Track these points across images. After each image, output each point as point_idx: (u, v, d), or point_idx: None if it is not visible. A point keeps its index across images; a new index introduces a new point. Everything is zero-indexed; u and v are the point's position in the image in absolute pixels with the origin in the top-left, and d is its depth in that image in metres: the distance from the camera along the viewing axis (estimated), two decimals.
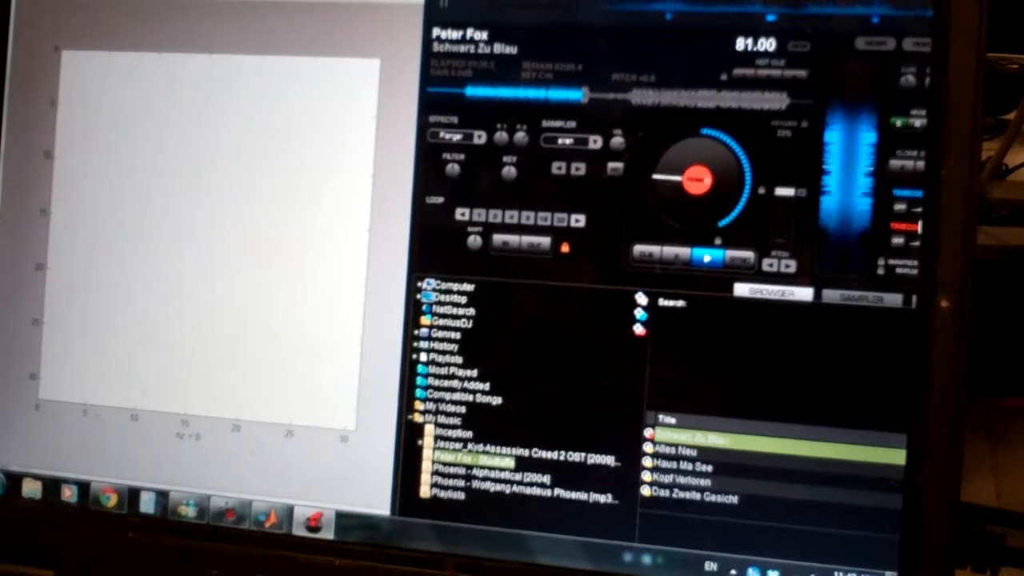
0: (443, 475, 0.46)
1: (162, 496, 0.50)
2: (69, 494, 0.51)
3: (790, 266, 0.43)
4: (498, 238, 0.46)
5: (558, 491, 0.45)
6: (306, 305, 0.48)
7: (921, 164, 0.42)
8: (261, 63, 0.49)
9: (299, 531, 0.48)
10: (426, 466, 0.47)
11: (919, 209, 0.42)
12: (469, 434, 0.46)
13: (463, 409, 0.46)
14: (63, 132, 0.51)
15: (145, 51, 0.50)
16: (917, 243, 0.42)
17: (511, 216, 0.46)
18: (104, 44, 0.50)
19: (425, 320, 0.47)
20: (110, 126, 0.50)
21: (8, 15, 0.51)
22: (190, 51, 0.50)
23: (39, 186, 0.51)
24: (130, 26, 0.50)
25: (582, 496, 0.45)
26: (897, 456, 0.42)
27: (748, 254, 0.44)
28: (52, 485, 0.51)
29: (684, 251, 0.44)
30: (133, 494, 0.50)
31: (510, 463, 0.46)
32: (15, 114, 0.51)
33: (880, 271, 0.42)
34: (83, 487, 0.51)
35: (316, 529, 0.48)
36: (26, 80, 0.51)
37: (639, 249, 0.45)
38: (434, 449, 0.47)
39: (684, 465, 0.44)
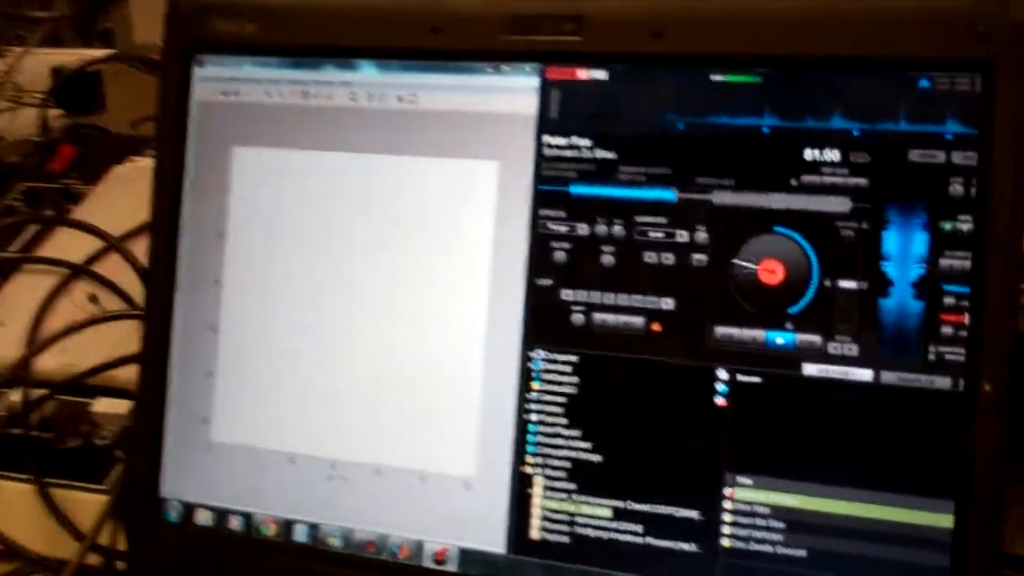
0: (550, 520, 0.51)
1: (313, 528, 0.54)
2: (235, 523, 0.56)
3: (852, 350, 0.47)
4: (598, 316, 0.50)
5: (649, 539, 0.49)
6: (435, 371, 0.53)
7: (967, 263, 0.45)
8: (397, 162, 0.54)
9: (428, 563, 0.53)
10: (536, 512, 0.51)
11: (966, 303, 0.45)
12: (573, 486, 0.50)
13: (567, 464, 0.50)
14: (233, 216, 0.57)
15: (298, 149, 0.56)
16: (964, 333, 0.45)
17: (609, 298, 0.50)
18: (267, 142, 0.56)
19: (535, 386, 0.51)
20: (270, 210, 0.56)
21: (186, 118, 0.58)
22: (336, 150, 0.55)
23: (213, 260, 0.57)
24: (287, 127, 0.56)
25: (671, 545, 0.49)
26: (946, 520, 0.45)
27: (815, 338, 0.47)
28: (221, 515, 0.56)
29: (759, 334, 0.48)
30: (289, 525, 0.55)
31: (608, 513, 0.50)
32: (194, 201, 0.57)
33: (931, 357, 0.46)
34: (247, 518, 0.56)
35: (442, 562, 0.52)
36: (204, 172, 0.57)
37: (720, 331, 0.49)
38: (542, 497, 0.51)
39: (759, 521, 0.48)
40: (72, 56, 1.00)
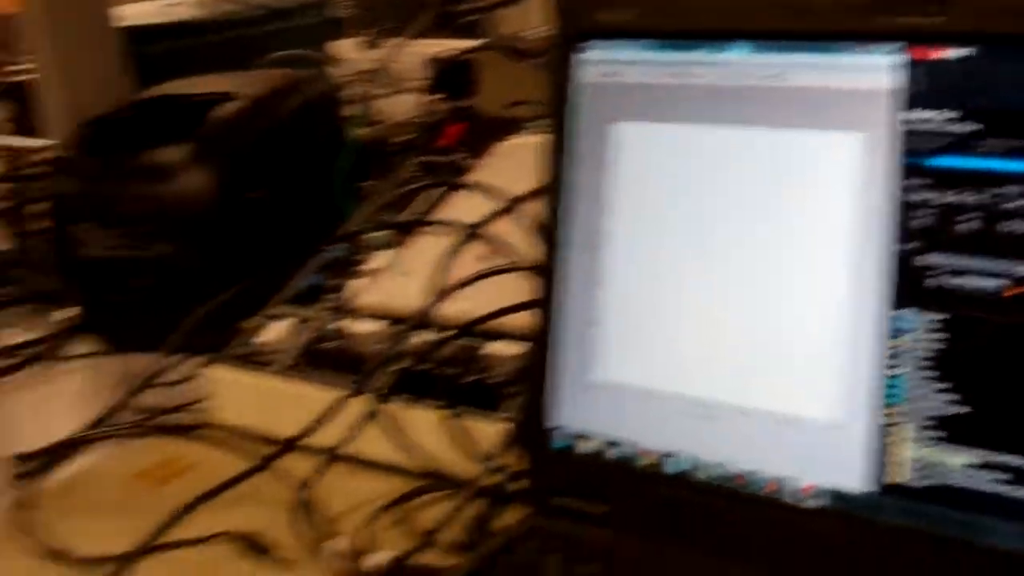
0: (910, 465, 0.53)
1: (686, 460, 0.58)
2: (614, 453, 0.61)
3: None
4: (958, 280, 0.52)
5: (1005, 488, 0.51)
6: (800, 324, 0.56)
7: None
8: (765, 134, 0.58)
9: (793, 499, 0.55)
10: (896, 457, 0.53)
11: None
12: (931, 435, 0.53)
13: (927, 414, 0.53)
14: (614, 182, 0.62)
15: (673, 123, 0.60)
16: None
17: (970, 263, 0.52)
18: (644, 118, 0.61)
19: (897, 342, 0.54)
20: (647, 178, 0.61)
21: (571, 97, 0.63)
22: (708, 123, 0.59)
23: (596, 222, 0.62)
24: (662, 104, 0.60)
25: None
26: None
27: None
28: (602, 444, 0.61)
29: None
30: (663, 457, 0.59)
31: (965, 461, 0.52)
32: (579, 170, 0.62)
33: None
34: (624, 447, 0.60)
35: (807, 498, 0.55)
36: (588, 145, 0.62)
37: None
38: (903, 444, 0.53)
39: None
40: (442, 46, 1.11)
